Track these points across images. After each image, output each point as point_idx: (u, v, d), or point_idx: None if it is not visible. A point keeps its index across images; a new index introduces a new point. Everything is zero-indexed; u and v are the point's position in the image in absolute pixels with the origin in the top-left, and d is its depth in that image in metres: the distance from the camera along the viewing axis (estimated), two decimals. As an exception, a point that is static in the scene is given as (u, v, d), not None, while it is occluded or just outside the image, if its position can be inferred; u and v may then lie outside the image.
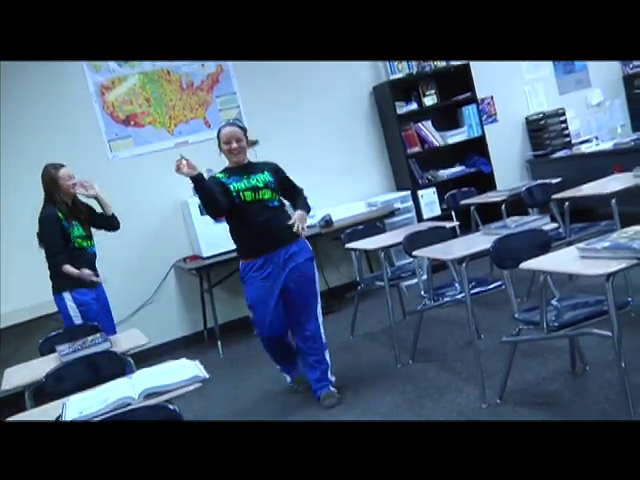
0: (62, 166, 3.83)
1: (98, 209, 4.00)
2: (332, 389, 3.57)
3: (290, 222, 3.42)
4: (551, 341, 3.36)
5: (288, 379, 3.84)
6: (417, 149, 5.86)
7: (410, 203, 5.74)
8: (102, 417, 2.05)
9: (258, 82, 5.48)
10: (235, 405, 3.88)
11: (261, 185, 3.44)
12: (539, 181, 4.89)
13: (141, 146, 5.23)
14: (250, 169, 3.50)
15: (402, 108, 5.79)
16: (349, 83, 5.79)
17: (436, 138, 5.92)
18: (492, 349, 3.63)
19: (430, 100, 5.91)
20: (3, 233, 4.83)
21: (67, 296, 3.79)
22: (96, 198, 3.95)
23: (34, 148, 4.89)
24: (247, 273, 3.51)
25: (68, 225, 3.77)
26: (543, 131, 6.32)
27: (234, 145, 3.43)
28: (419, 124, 5.88)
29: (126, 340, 3.08)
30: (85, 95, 5.05)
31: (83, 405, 2.19)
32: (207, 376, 2.30)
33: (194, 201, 4.90)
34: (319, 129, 5.73)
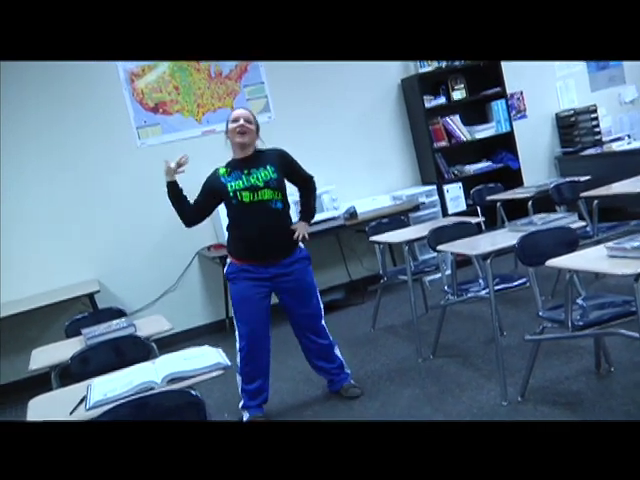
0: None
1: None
2: (352, 381, 3.58)
3: (293, 234, 3.30)
4: (575, 340, 3.32)
5: (247, 416, 3.39)
6: (444, 143, 5.82)
7: (435, 197, 5.70)
8: (125, 399, 2.08)
9: (286, 73, 5.48)
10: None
11: (261, 185, 3.20)
12: (568, 178, 4.83)
13: (169, 134, 5.26)
14: (254, 163, 3.26)
15: (430, 102, 5.74)
16: (377, 76, 5.76)
17: (463, 133, 5.86)
18: (515, 347, 3.60)
19: (459, 94, 5.86)
20: (32, 217, 4.90)
21: None
22: None
23: (63, 135, 4.96)
24: (236, 273, 3.30)
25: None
26: (573, 128, 6.24)
27: (241, 122, 3.22)
28: (447, 118, 5.83)
29: (150, 325, 3.11)
30: (115, 82, 5.09)
31: (107, 387, 2.22)
32: (229, 364, 2.32)
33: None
34: (346, 121, 5.72)
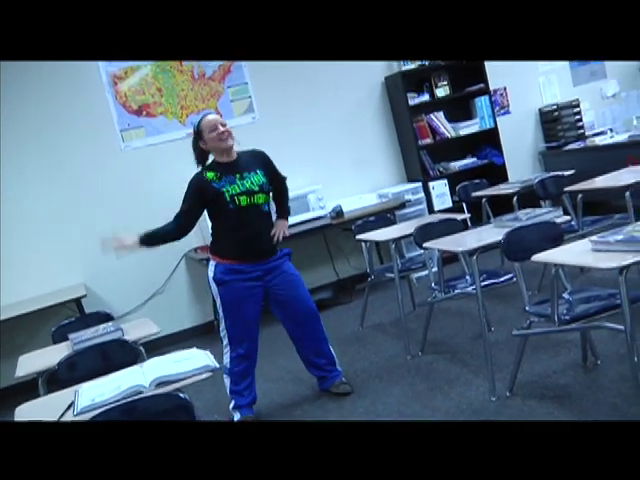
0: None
1: None
2: (342, 378, 3.58)
3: (273, 233, 3.37)
4: (562, 334, 3.34)
5: (238, 416, 3.41)
6: (429, 140, 5.84)
7: (421, 195, 5.72)
8: (114, 404, 2.07)
9: (270, 72, 5.47)
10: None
11: (256, 189, 3.25)
12: (552, 173, 4.86)
13: (153, 136, 5.24)
14: (241, 166, 3.28)
15: (414, 99, 5.76)
16: (361, 74, 5.77)
17: (448, 130, 5.89)
18: (502, 342, 3.62)
19: (442, 91, 5.88)
20: (18, 223, 4.86)
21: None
22: None
23: (48, 138, 4.92)
24: (225, 274, 3.28)
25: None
26: (556, 123, 6.28)
27: (221, 129, 3.20)
28: (431, 115, 5.85)
29: (137, 329, 3.10)
30: (98, 85, 5.06)
31: (95, 392, 2.21)
32: (217, 365, 2.31)
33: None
34: (331, 120, 5.72)
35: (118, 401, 2.10)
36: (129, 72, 5.16)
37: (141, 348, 2.84)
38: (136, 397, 2.09)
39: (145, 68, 5.21)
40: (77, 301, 4.51)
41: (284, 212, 3.59)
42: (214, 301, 4.24)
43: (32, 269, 4.88)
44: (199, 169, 3.33)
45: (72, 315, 4.13)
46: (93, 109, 5.04)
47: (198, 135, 3.28)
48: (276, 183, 3.47)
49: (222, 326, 3.40)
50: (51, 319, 4.44)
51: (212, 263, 3.36)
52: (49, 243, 4.95)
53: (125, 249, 3.37)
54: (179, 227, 3.29)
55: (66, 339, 3.07)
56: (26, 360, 3.07)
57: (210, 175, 3.26)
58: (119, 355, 2.74)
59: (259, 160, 3.37)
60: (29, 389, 2.91)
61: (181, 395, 2.06)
